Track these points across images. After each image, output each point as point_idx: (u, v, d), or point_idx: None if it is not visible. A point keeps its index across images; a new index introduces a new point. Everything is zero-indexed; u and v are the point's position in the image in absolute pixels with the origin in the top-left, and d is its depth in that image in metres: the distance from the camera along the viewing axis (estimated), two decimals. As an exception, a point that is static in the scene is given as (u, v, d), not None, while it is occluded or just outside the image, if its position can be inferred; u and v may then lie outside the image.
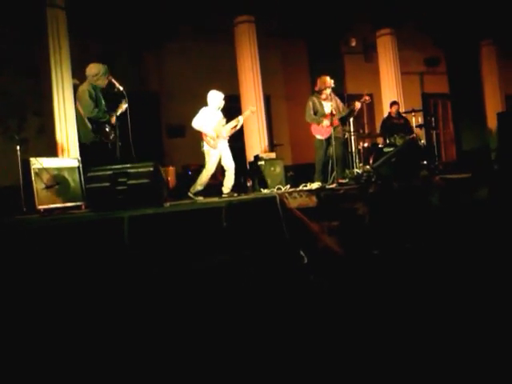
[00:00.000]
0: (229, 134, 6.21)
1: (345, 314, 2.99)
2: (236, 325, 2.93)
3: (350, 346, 2.55)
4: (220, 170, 6.43)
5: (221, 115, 6.25)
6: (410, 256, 4.16)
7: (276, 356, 2.50)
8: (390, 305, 3.08)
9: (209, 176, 6.15)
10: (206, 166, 6.15)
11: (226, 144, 6.23)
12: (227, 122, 6.24)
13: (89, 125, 5.28)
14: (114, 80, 5.32)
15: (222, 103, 6.22)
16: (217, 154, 6.11)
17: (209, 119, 6.09)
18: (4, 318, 2.94)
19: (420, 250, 4.21)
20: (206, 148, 6.12)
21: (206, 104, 6.19)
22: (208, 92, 6.20)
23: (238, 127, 6.30)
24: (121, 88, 5.30)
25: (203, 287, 3.39)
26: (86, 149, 5.53)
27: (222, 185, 6.25)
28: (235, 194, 6.12)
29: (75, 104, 5.57)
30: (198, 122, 6.07)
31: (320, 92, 6.52)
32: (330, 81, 6.50)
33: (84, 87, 5.34)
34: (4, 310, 2.99)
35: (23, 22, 7.62)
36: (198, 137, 6.22)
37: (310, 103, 6.59)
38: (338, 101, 6.65)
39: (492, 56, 11.53)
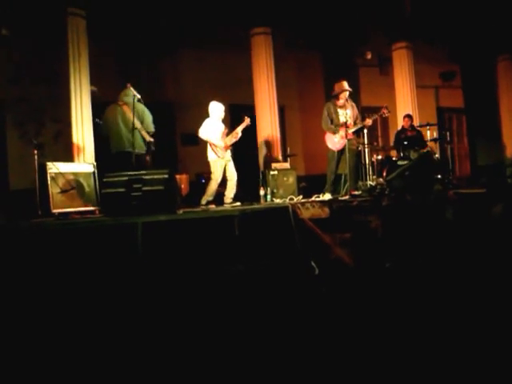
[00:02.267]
0: (230, 144, 6.27)
1: (353, 326, 2.98)
2: (244, 332, 2.93)
3: (355, 353, 2.54)
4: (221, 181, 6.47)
5: (223, 126, 6.34)
6: (422, 270, 4.13)
7: (283, 363, 2.50)
8: (398, 316, 3.06)
9: (216, 186, 6.22)
10: (213, 176, 6.21)
11: (230, 154, 6.30)
12: (228, 132, 6.31)
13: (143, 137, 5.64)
14: (132, 88, 5.39)
15: (223, 114, 6.34)
16: (222, 163, 6.17)
17: (214, 130, 6.16)
18: (16, 318, 2.97)
19: (432, 264, 4.19)
20: (211, 158, 6.18)
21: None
22: (224, 101, 6.28)
23: (237, 138, 6.31)
24: (138, 96, 5.37)
25: (215, 294, 3.39)
26: (129, 157, 5.58)
27: (222, 194, 6.30)
28: (237, 203, 6.15)
29: (132, 116, 5.55)
30: (204, 133, 6.14)
31: (337, 97, 6.48)
32: (346, 85, 6.46)
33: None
34: (17, 311, 3.03)
35: (42, 29, 7.79)
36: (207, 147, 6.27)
37: (326, 110, 6.56)
38: (355, 109, 6.59)
39: (509, 71, 11.46)
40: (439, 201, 5.07)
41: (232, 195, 6.24)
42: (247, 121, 6.40)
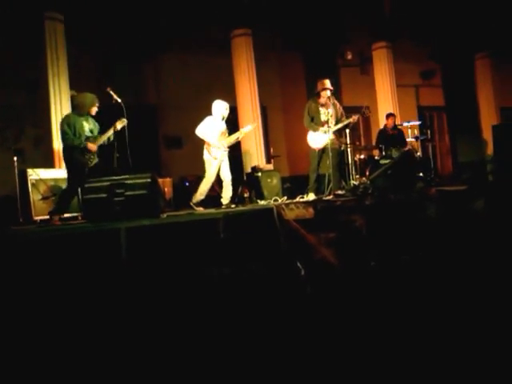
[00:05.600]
0: (229, 145, 6.24)
1: (340, 324, 2.99)
2: (230, 334, 2.92)
3: (341, 353, 2.55)
4: (217, 182, 6.43)
5: (224, 126, 6.28)
6: (406, 267, 4.17)
7: (269, 364, 2.50)
8: (384, 315, 3.08)
9: (209, 185, 6.16)
10: (206, 175, 6.16)
11: (226, 155, 6.26)
12: (229, 134, 6.28)
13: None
14: (112, 92, 5.33)
15: (226, 113, 6.24)
16: (216, 163, 6.12)
17: (212, 128, 6.11)
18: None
19: (416, 261, 4.22)
20: (206, 157, 6.13)
21: (205, 115, 6.22)
22: (207, 103, 6.25)
23: (239, 139, 6.37)
24: (119, 100, 5.31)
25: (201, 298, 3.38)
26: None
27: (220, 196, 6.26)
28: (233, 206, 6.13)
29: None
30: (201, 130, 6.09)
31: (318, 95, 6.48)
32: (328, 83, 6.45)
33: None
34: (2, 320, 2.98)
35: (21, 34, 7.67)
36: (199, 147, 6.24)
37: (307, 108, 6.56)
38: (338, 106, 6.55)
39: (486, 69, 11.66)
40: (422, 198, 5.11)
41: (228, 196, 6.19)
42: (253, 125, 6.55)
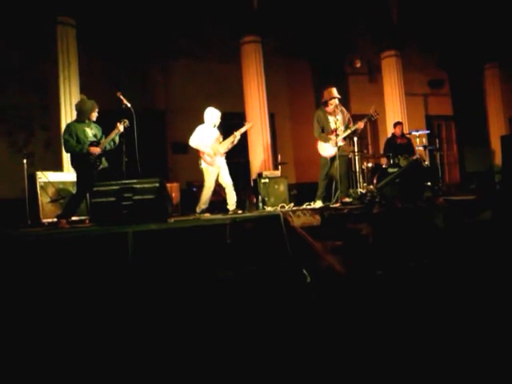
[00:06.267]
0: (226, 150, 6.22)
1: (343, 331, 2.98)
2: (235, 338, 2.92)
3: (343, 358, 2.54)
4: (222, 187, 6.44)
5: (217, 132, 6.28)
6: (413, 277, 4.15)
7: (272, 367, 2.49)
8: (388, 323, 3.07)
9: (209, 193, 6.15)
10: (205, 184, 6.16)
11: (224, 161, 6.25)
12: (224, 138, 6.27)
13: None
14: (122, 96, 5.37)
15: (218, 120, 6.25)
16: (215, 171, 6.14)
17: (205, 136, 6.12)
18: (7, 326, 2.94)
19: (423, 270, 4.20)
20: (203, 166, 6.14)
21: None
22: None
23: (235, 142, 6.27)
24: (128, 104, 5.35)
25: (207, 302, 3.38)
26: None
27: (225, 202, 6.26)
28: (240, 211, 6.13)
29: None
30: (194, 140, 6.11)
31: (326, 104, 6.49)
32: (335, 92, 6.47)
33: None
34: (7, 320, 2.99)
35: (32, 37, 7.77)
36: (197, 155, 6.26)
37: (316, 118, 6.58)
38: (345, 113, 6.58)
39: (495, 79, 11.64)
40: (429, 207, 5.10)
41: (233, 202, 6.19)
42: (247, 125, 6.45)
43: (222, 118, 6.37)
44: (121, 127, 5.27)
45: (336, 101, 6.43)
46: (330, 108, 6.46)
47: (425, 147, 8.41)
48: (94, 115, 5.38)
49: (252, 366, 2.60)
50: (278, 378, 2.46)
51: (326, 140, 6.41)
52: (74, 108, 6.84)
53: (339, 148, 6.22)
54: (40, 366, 2.72)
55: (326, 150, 6.46)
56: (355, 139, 6.91)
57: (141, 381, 2.55)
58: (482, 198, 5.58)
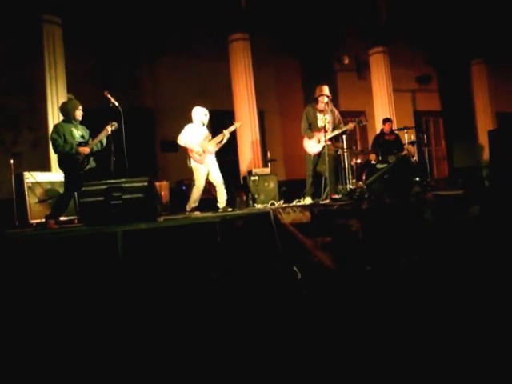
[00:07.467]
0: (215, 149, 6.21)
1: (334, 327, 2.99)
2: (227, 336, 2.92)
3: (335, 354, 2.56)
4: (212, 185, 6.43)
5: (206, 130, 6.27)
6: (402, 272, 4.18)
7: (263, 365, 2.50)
8: (379, 318, 3.09)
9: (200, 192, 6.14)
10: (196, 183, 6.14)
11: (214, 159, 6.23)
12: (213, 136, 6.26)
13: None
14: (109, 95, 5.34)
15: (206, 119, 6.24)
16: (204, 169, 6.12)
17: (194, 135, 6.11)
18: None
19: (413, 265, 4.24)
20: (193, 164, 6.13)
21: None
22: (204, 107, 6.25)
23: (224, 141, 6.26)
24: (116, 103, 5.32)
25: (198, 300, 3.38)
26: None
27: (216, 201, 6.25)
28: (230, 209, 6.12)
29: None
30: (182, 139, 6.10)
31: (316, 100, 6.49)
32: (326, 90, 6.46)
33: None
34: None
35: (18, 37, 7.68)
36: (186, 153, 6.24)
37: (305, 114, 6.58)
38: (336, 114, 6.58)
39: (482, 74, 11.74)
40: (418, 203, 5.13)
41: (224, 199, 6.17)
42: (237, 124, 6.44)
43: (211, 116, 6.36)
44: (109, 129, 5.25)
45: (325, 98, 6.42)
46: (320, 105, 6.46)
47: (413, 143, 8.47)
48: (79, 113, 5.34)
49: (244, 364, 2.60)
50: (272, 375, 2.46)
51: (311, 136, 6.41)
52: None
53: (324, 147, 6.22)
54: (31, 365, 2.70)
55: (311, 146, 6.45)
56: (343, 136, 6.90)
57: (132, 380, 2.54)
58: (469, 193, 5.63)
